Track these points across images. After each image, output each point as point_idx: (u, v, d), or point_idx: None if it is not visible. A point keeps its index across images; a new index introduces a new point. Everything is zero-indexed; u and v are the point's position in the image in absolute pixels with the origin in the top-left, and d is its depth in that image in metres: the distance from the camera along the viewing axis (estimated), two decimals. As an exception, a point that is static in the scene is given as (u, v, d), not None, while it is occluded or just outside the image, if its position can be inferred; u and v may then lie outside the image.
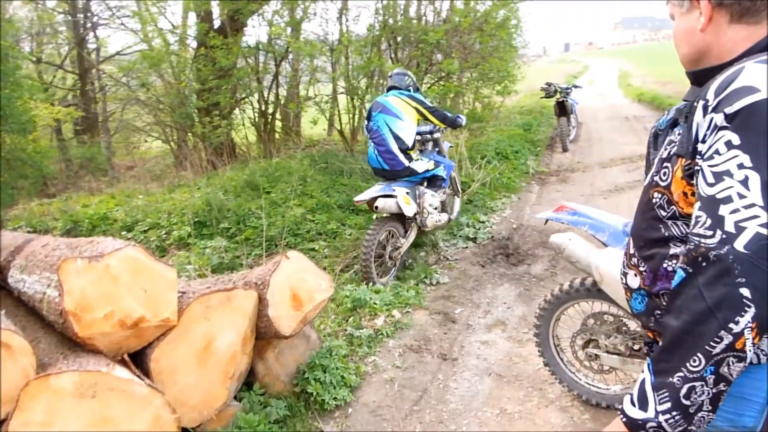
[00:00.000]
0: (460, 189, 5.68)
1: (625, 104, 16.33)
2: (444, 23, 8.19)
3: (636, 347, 2.27)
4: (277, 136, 10.13)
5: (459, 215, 5.51)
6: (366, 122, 4.88)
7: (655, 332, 1.29)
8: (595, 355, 2.38)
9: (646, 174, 1.30)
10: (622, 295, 2.20)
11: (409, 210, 4.35)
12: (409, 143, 4.56)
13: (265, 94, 9.49)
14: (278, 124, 10.15)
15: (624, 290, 1.39)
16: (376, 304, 3.59)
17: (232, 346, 2.29)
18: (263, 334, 2.49)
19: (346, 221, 5.72)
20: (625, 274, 1.37)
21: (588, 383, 2.58)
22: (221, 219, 6.06)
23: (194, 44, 9.97)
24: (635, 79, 23.19)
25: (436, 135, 5.08)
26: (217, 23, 9.64)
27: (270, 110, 9.73)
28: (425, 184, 4.79)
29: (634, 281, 1.32)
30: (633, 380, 2.43)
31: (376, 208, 4.27)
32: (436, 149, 5.16)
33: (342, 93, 8.54)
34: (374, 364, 3.04)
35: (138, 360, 2.12)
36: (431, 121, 4.86)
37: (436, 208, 4.70)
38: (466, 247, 4.96)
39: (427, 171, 4.69)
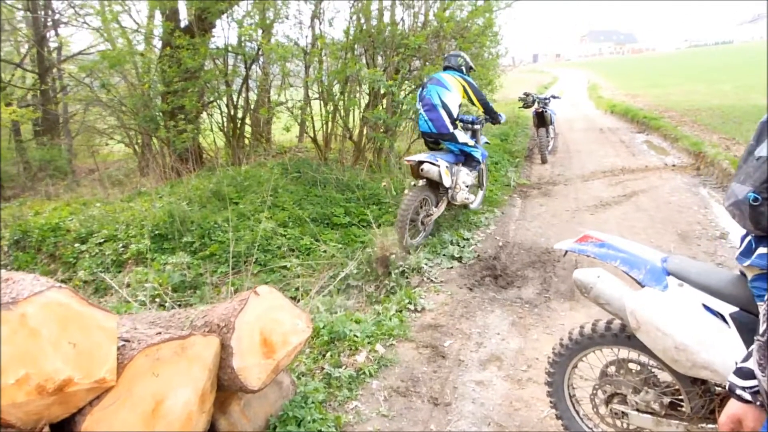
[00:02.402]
0: (485, 183, 6.25)
1: (598, 115, 16.33)
2: (423, 28, 7.87)
3: (670, 404, 1.94)
4: (246, 142, 9.64)
5: (480, 206, 6.03)
6: (420, 91, 5.52)
7: None
8: (622, 412, 2.03)
9: None
10: (663, 345, 1.89)
11: (447, 181, 5.09)
12: (454, 113, 5.24)
13: (235, 98, 9.01)
14: (248, 129, 9.66)
15: None
16: (356, 336, 3.19)
17: (188, 406, 1.87)
18: (227, 387, 2.08)
19: (320, 236, 5.31)
20: None
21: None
22: (184, 232, 5.59)
23: (160, 44, 9.44)
24: (605, 90, 23.36)
25: (477, 126, 5.69)
26: (185, 23, 9.13)
27: (239, 115, 9.25)
28: (462, 163, 5.44)
29: None
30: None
31: (422, 170, 5.01)
32: (474, 139, 5.67)
33: (315, 99, 8.13)
34: (356, 412, 2.64)
35: (65, 430, 1.68)
36: (473, 103, 5.50)
37: (467, 186, 5.42)
38: (451, 267, 4.60)
39: (466, 144, 5.36)
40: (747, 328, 1.71)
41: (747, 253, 1.79)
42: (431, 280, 4.33)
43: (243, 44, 8.51)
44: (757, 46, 60.16)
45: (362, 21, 7.79)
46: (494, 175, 7.47)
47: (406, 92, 7.81)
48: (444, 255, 4.78)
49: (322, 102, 7.99)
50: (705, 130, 10.37)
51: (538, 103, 9.17)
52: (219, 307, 2.19)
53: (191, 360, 1.89)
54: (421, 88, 5.52)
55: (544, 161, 9.15)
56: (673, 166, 8.24)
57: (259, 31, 8.35)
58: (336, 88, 7.95)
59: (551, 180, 7.85)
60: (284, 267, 4.84)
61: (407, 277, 4.37)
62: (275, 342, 2.12)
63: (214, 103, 9.25)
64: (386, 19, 8.01)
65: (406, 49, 7.10)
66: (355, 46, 7.87)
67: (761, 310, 1.72)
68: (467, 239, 5.19)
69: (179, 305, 4.52)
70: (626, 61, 62.33)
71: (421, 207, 5.10)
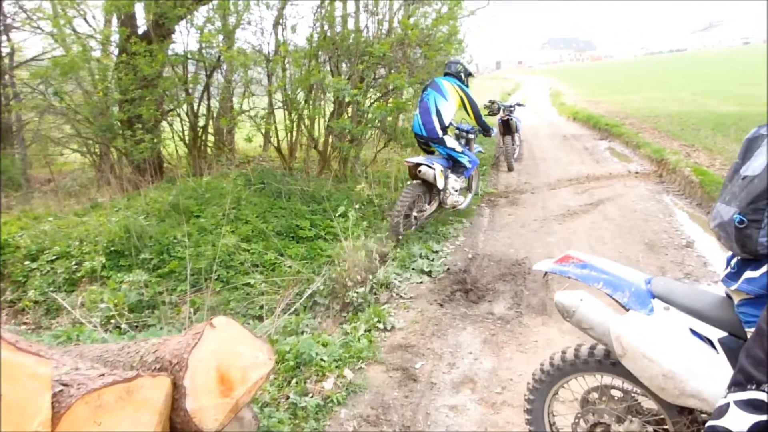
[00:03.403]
0: (474, 187, 6.61)
1: (561, 122, 16.54)
2: (387, 35, 7.78)
3: (655, 433, 1.85)
4: (209, 151, 9.36)
5: (467, 206, 6.31)
6: (422, 92, 5.92)
7: None
8: (606, 443, 1.94)
9: None
10: (650, 373, 1.80)
11: (440, 183, 5.53)
12: (446, 121, 5.62)
13: (195, 107, 8.73)
14: (210, 138, 9.38)
15: None
16: (323, 360, 3.03)
17: (135, 456, 1.69)
18: (180, 431, 1.90)
19: (285, 251, 5.13)
20: None
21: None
22: (141, 248, 5.33)
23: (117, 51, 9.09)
24: (567, 97, 23.75)
25: (471, 136, 6.16)
26: (144, 29, 8.81)
27: (201, 124, 8.97)
28: (450, 168, 5.80)
29: None
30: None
31: (419, 171, 5.46)
32: (467, 147, 6.12)
33: (279, 108, 7.93)
34: (324, 445, 2.48)
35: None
36: (468, 113, 5.98)
37: (456, 191, 5.84)
38: (421, 282, 4.48)
39: (454, 150, 5.71)
40: (735, 354, 1.63)
41: (733, 276, 1.71)
42: (401, 296, 4.21)
43: (204, 51, 8.27)
44: (710, 54, 62.42)
45: (326, 28, 7.65)
46: (462, 184, 7.41)
47: (372, 101, 7.69)
48: (413, 269, 4.66)
49: (286, 111, 7.81)
50: (665, 137, 10.57)
51: (504, 110, 9.17)
52: (171, 341, 2.01)
53: (139, 405, 1.70)
54: (423, 90, 5.93)
55: (510, 169, 9.16)
56: (637, 173, 8.34)
57: (220, 38, 8.12)
58: (300, 96, 7.79)
59: (518, 188, 7.84)
60: (248, 284, 4.65)
61: (376, 293, 4.23)
62: (234, 379, 1.95)
63: (174, 112, 8.96)
64: (350, 26, 7.90)
65: (371, 57, 6.99)
66: (319, 53, 7.73)
67: (749, 337, 1.65)
68: (437, 252, 5.09)
69: (136, 326, 4.28)
70: (586, 68, 63.81)
71: (415, 203, 5.54)
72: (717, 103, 15.59)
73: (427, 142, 5.74)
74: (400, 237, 5.28)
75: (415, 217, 5.55)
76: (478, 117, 6.03)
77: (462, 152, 5.81)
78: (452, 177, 5.78)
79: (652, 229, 5.59)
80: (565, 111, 18.49)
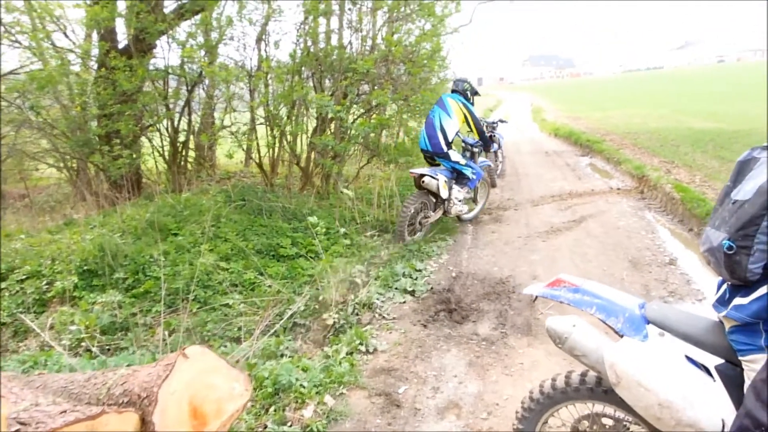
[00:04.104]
0: (481, 199, 7.05)
1: (543, 138, 16.67)
2: (371, 52, 7.76)
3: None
4: (189, 167, 9.21)
5: (473, 217, 6.88)
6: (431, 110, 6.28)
7: None
8: (597, 477, 1.86)
9: None
10: (645, 402, 1.73)
11: (444, 193, 5.92)
12: (450, 137, 5.99)
13: (176, 122, 8.61)
14: (191, 154, 9.24)
15: None
16: (303, 386, 2.92)
17: (99, 500, 1.57)
18: (149, 469, 1.78)
19: (266, 270, 5.01)
20: None
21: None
22: (116, 267, 5.16)
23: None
24: (548, 113, 24.01)
25: (476, 150, 6.61)
26: (124, 43, 8.69)
27: (181, 139, 8.84)
28: (454, 180, 6.19)
29: None
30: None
31: (423, 182, 5.86)
32: (472, 160, 6.58)
33: (261, 123, 7.84)
34: (303, 478, 2.37)
35: None
36: (471, 129, 6.31)
37: (460, 201, 6.25)
38: (404, 302, 4.39)
39: (458, 163, 6.09)
40: (733, 382, 1.58)
41: (723, 302, 1.67)
42: (383, 317, 4.11)
43: (185, 66, 8.17)
44: (686, 72, 63.78)
45: (309, 44, 7.61)
46: (445, 201, 7.37)
47: (355, 117, 7.64)
48: (396, 289, 4.58)
49: (268, 126, 7.72)
50: (645, 153, 10.68)
51: (487, 127, 9.20)
52: (141, 372, 1.90)
53: (103, 443, 1.59)
54: (433, 108, 6.29)
55: (493, 185, 9.15)
56: (618, 189, 8.39)
57: (202, 53, 8.03)
58: (282, 112, 7.71)
59: (502, 205, 7.83)
60: (226, 305, 4.51)
61: (358, 314, 4.13)
62: (207, 412, 1.85)
63: (154, 127, 8.82)
64: (334, 42, 7.87)
65: (355, 74, 6.95)
66: (302, 69, 7.68)
67: (744, 366, 1.59)
68: (420, 270, 5.01)
69: (107, 349, 4.13)
70: (566, 85, 64.80)
71: (420, 211, 5.94)
72: (694, 119, 15.85)
73: (433, 156, 6.13)
74: (405, 242, 5.68)
75: (420, 223, 5.98)
76: (480, 133, 6.40)
77: (466, 164, 6.18)
78: (456, 188, 6.18)
79: (635, 246, 5.59)
80: (546, 127, 18.66)
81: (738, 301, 1.60)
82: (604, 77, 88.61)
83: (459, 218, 6.59)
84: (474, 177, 6.36)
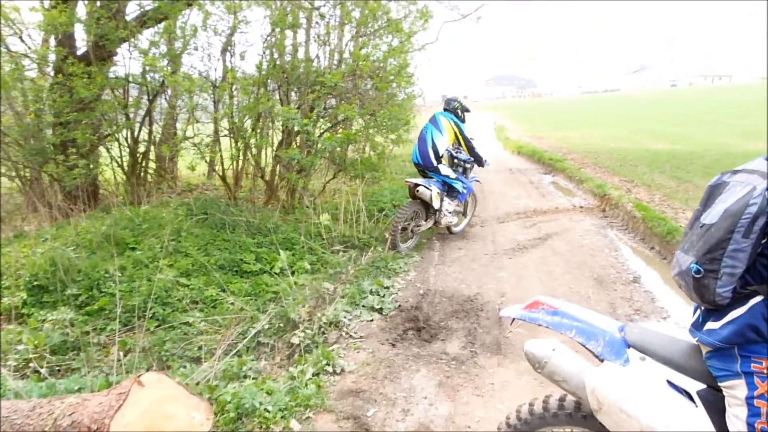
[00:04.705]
0: (470, 213, 7.32)
1: (506, 156, 16.90)
2: (338, 66, 7.71)
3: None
4: (149, 178, 8.93)
5: (462, 230, 7.15)
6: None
7: None
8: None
9: None
10: (627, 428, 1.67)
11: (436, 204, 6.26)
12: (440, 152, 6.40)
13: (136, 132, 8.34)
14: (151, 165, 8.96)
15: None
16: (267, 410, 2.79)
17: None
18: (98, 508, 1.63)
19: (228, 286, 4.84)
20: None
21: None
22: (68, 283, 4.90)
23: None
24: (511, 132, 24.42)
25: (468, 165, 6.85)
26: (83, 50, 8.39)
27: (141, 149, 8.56)
28: (446, 193, 6.50)
29: None
30: None
31: (417, 191, 6.19)
32: (464, 175, 6.84)
33: (225, 135, 7.67)
34: None
35: None
36: (461, 146, 6.72)
37: (450, 212, 6.58)
38: (372, 320, 4.30)
39: (448, 177, 6.44)
40: (715, 408, 1.55)
41: (698, 326, 1.66)
42: (351, 336, 4.01)
43: (147, 75, 7.94)
44: (641, 95, 66.21)
45: (276, 56, 7.51)
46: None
47: (322, 131, 7.56)
48: (364, 306, 4.48)
49: (232, 138, 7.56)
50: (606, 172, 10.93)
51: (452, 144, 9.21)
52: (92, 401, 1.75)
53: (47, 482, 1.45)
54: (426, 125, 6.65)
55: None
56: (581, 207, 8.52)
57: (165, 62, 7.83)
58: (247, 124, 7.56)
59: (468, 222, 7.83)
60: (186, 323, 4.32)
61: (324, 333, 4.01)
62: (165, 443, 1.71)
63: (113, 137, 8.52)
64: (301, 55, 7.80)
65: (322, 87, 6.88)
66: (269, 81, 7.56)
67: (724, 392, 1.57)
68: (387, 288, 4.94)
69: (57, 370, 3.89)
70: (528, 105, 66.28)
71: (413, 219, 6.29)
72: (650, 140, 16.36)
73: (424, 170, 6.45)
74: (398, 249, 6.02)
75: (412, 231, 6.31)
76: (471, 149, 6.77)
77: (456, 179, 6.52)
78: (447, 200, 6.50)
79: (599, 264, 5.65)
80: (509, 145, 18.95)
81: (710, 325, 1.59)
82: (565, 98, 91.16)
83: (449, 230, 6.89)
84: (464, 191, 6.68)
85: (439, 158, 6.39)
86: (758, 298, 1.50)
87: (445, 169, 6.44)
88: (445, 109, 6.83)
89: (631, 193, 8.53)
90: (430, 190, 6.16)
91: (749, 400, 1.47)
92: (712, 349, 1.58)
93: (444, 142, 6.45)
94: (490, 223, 7.69)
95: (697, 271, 1.53)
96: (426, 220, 6.45)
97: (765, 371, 1.47)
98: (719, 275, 1.50)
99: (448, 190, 6.56)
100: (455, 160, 6.74)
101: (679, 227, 6.03)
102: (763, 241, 1.49)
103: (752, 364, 1.49)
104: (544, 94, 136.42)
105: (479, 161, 6.90)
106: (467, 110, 6.99)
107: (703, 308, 1.66)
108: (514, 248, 6.30)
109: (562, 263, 5.70)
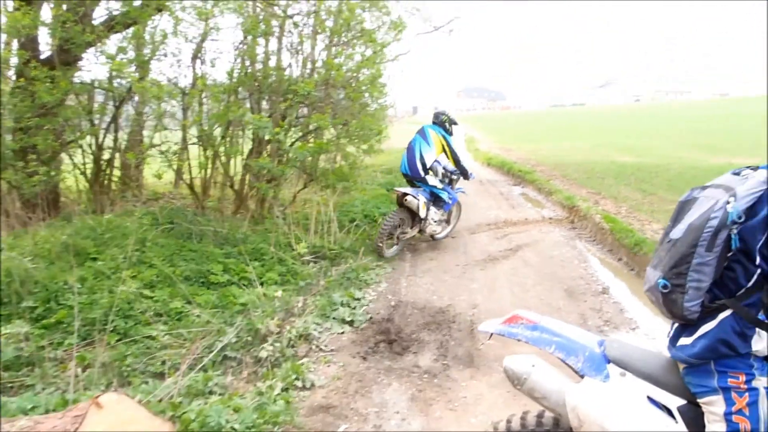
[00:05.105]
0: (453, 221, 7.48)
1: (476, 167, 17.00)
2: (311, 75, 7.65)
3: None
4: (113, 186, 8.67)
5: (444, 237, 7.26)
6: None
7: None
8: None
9: None
10: None
11: (423, 213, 6.47)
12: (428, 164, 6.64)
13: (101, 138, 8.10)
14: (116, 172, 8.70)
15: None
16: (234, 429, 2.68)
17: None
18: None
19: (194, 298, 4.70)
20: None
21: None
22: (24, 294, 4.69)
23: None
24: (481, 144, 24.68)
25: (455, 177, 7.02)
26: (48, 53, 8.14)
27: (105, 157, 8.32)
28: (432, 202, 6.69)
29: None
30: None
31: (405, 200, 6.43)
32: (450, 186, 6.98)
33: (193, 143, 7.51)
34: None
35: None
36: (448, 158, 6.91)
37: (435, 221, 6.84)
38: (343, 333, 4.22)
39: (435, 187, 6.68)
40: (696, 424, 1.54)
41: (673, 341, 1.65)
42: (321, 349, 3.93)
43: (113, 81, 7.74)
44: (606, 109, 67.90)
45: (247, 64, 7.41)
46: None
47: (293, 140, 7.47)
48: (334, 318, 4.41)
49: (201, 146, 7.40)
50: (574, 184, 11.10)
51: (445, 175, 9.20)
52: (45, 424, 1.64)
53: None
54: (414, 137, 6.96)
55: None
56: (550, 219, 8.61)
57: (132, 67, 7.64)
58: (217, 132, 7.43)
59: (439, 232, 7.83)
60: (149, 336, 4.16)
61: (294, 346, 3.92)
62: (122, 468, 1.61)
63: (76, 143, 8.26)
64: (273, 63, 7.70)
65: (295, 96, 6.81)
66: (240, 89, 7.45)
67: (703, 408, 1.55)
68: (358, 299, 4.87)
69: (11, 388, 3.70)
70: (498, 117, 67.30)
71: (399, 226, 6.49)
72: (615, 153, 16.71)
73: (412, 180, 6.71)
74: (383, 255, 6.24)
75: (398, 238, 6.54)
76: (457, 162, 7.02)
77: (443, 189, 6.75)
78: (433, 209, 6.73)
79: (569, 276, 5.69)
80: (479, 156, 19.13)
81: (683, 341, 1.59)
82: (533, 111, 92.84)
83: (432, 237, 7.02)
84: (450, 201, 6.91)
85: (426, 169, 6.63)
86: (727, 312, 1.49)
87: (432, 179, 6.66)
88: (433, 123, 7.09)
89: (599, 204, 8.66)
90: (418, 200, 6.38)
91: (728, 416, 1.46)
92: (687, 365, 1.57)
93: (432, 155, 6.69)
94: (462, 234, 7.70)
95: (665, 286, 1.54)
96: (411, 228, 6.65)
97: (742, 386, 1.46)
98: (686, 289, 1.50)
99: (435, 199, 6.76)
100: (443, 171, 6.86)
101: (646, 239, 6.13)
102: (728, 254, 1.49)
103: (729, 379, 1.48)
104: (513, 107, 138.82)
105: (464, 174, 7.15)
106: (455, 123, 7.29)
107: (676, 324, 1.65)
108: (485, 259, 6.32)
109: (533, 274, 5.73)
